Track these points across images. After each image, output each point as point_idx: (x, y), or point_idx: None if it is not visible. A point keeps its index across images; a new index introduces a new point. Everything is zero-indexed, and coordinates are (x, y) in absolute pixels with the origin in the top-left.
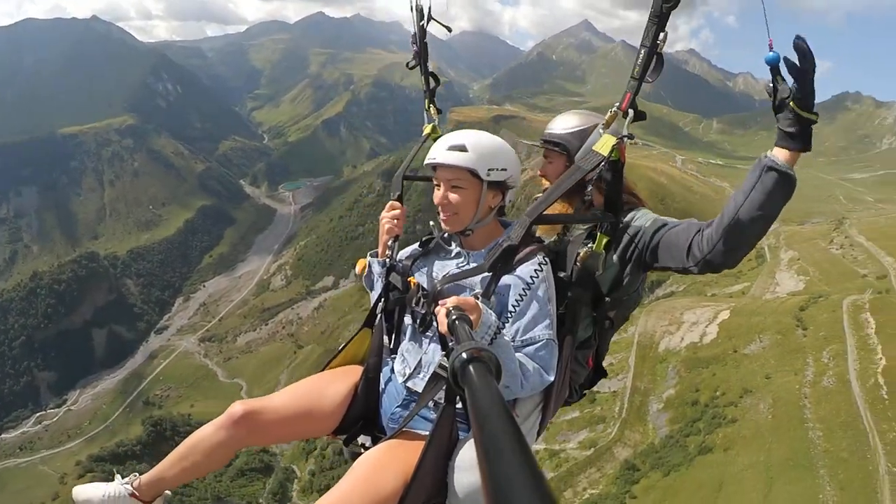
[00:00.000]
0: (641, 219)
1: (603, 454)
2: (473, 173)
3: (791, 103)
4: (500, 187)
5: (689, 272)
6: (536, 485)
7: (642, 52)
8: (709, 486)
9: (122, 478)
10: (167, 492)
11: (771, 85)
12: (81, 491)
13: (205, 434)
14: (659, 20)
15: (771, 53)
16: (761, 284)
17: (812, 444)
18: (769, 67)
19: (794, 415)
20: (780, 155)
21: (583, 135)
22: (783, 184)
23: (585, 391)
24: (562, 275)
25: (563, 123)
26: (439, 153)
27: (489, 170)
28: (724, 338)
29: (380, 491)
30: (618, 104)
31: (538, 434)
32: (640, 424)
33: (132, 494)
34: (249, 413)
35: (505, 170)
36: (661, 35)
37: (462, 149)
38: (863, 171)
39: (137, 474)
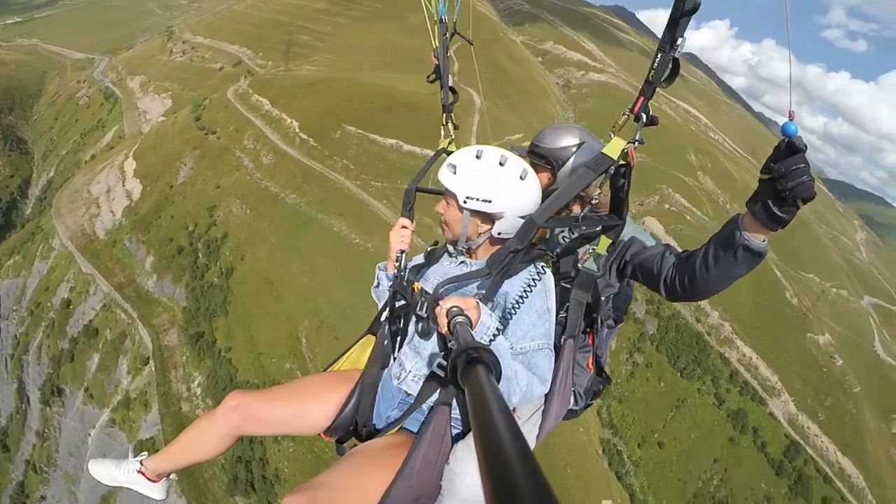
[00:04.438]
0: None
1: None
2: (455, 197)
3: (791, 194)
4: (486, 217)
5: (660, 294)
6: (537, 484)
7: (659, 56)
8: None
9: (134, 456)
10: (173, 475)
11: (779, 161)
12: (95, 463)
13: (204, 423)
14: (677, 26)
15: (793, 126)
16: (132, 121)
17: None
18: (784, 138)
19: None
20: (754, 229)
21: (569, 151)
22: (755, 260)
23: (591, 400)
24: (561, 279)
25: (552, 139)
26: (442, 167)
27: (467, 198)
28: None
29: (366, 484)
30: (630, 107)
31: (538, 438)
32: None
33: (140, 471)
34: (243, 404)
35: (489, 201)
36: (679, 41)
37: (453, 170)
38: None
39: (146, 453)
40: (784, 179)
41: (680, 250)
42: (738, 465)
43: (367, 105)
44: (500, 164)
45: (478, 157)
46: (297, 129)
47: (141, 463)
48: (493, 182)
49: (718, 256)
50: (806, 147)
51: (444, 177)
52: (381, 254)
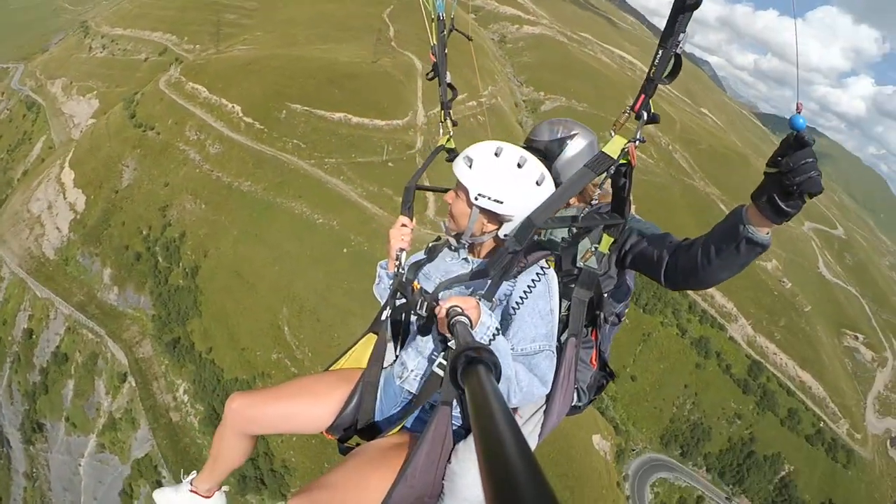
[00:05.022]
0: None
1: None
2: (466, 191)
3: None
4: (495, 217)
5: (660, 283)
6: (537, 485)
7: (660, 52)
8: None
9: (186, 476)
10: (225, 487)
11: (786, 154)
12: (158, 492)
13: (220, 430)
14: (679, 22)
15: (801, 119)
16: (60, 128)
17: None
18: (792, 132)
19: None
20: (759, 222)
21: (563, 144)
22: (758, 252)
23: (595, 396)
24: (563, 277)
25: (546, 133)
26: (458, 158)
27: (479, 195)
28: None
29: (368, 484)
30: (630, 105)
31: (540, 437)
32: None
33: (192, 491)
34: (242, 406)
35: (500, 202)
36: (681, 36)
37: (469, 164)
38: None
39: (196, 472)
40: (792, 174)
41: (681, 239)
42: (707, 389)
43: (309, 80)
44: (519, 165)
45: (497, 154)
46: (240, 114)
47: (191, 483)
48: (508, 183)
49: (721, 248)
50: (814, 141)
51: (459, 168)
52: (346, 230)
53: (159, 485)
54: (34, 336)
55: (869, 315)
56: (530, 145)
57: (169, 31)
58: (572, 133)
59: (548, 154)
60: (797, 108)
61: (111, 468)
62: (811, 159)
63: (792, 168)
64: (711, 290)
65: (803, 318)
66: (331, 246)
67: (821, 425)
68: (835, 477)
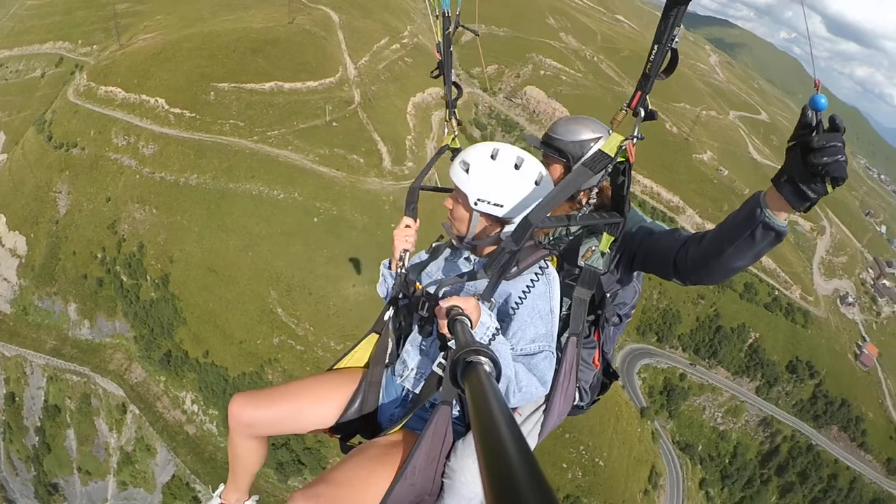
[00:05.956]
0: (629, 221)
1: None
2: (465, 197)
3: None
4: (496, 220)
5: (674, 282)
6: (537, 484)
7: (655, 48)
8: None
9: (214, 491)
10: (255, 496)
11: (807, 132)
12: None
13: (231, 438)
14: (673, 16)
15: (822, 99)
16: None
17: None
18: (811, 110)
19: None
20: (778, 207)
21: (585, 147)
22: (775, 241)
23: (598, 396)
24: (565, 276)
25: (568, 132)
26: (454, 163)
27: (478, 200)
28: None
29: (369, 481)
30: (627, 103)
31: (540, 436)
32: None
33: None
34: (242, 410)
35: (500, 206)
36: (676, 30)
37: (466, 169)
38: None
39: (223, 485)
40: (819, 153)
41: (692, 231)
42: None
43: (229, 56)
44: (516, 166)
45: (493, 157)
46: (165, 107)
47: (220, 497)
48: (506, 186)
49: (735, 235)
50: (845, 129)
51: (456, 174)
52: (310, 199)
53: (197, 501)
54: (17, 399)
55: None
56: (550, 143)
57: (59, 38)
58: (596, 136)
59: (569, 154)
60: (815, 86)
61: (139, 502)
62: (840, 143)
63: (823, 146)
64: (657, 188)
65: (742, 200)
66: (300, 218)
67: (776, 293)
68: (796, 337)
